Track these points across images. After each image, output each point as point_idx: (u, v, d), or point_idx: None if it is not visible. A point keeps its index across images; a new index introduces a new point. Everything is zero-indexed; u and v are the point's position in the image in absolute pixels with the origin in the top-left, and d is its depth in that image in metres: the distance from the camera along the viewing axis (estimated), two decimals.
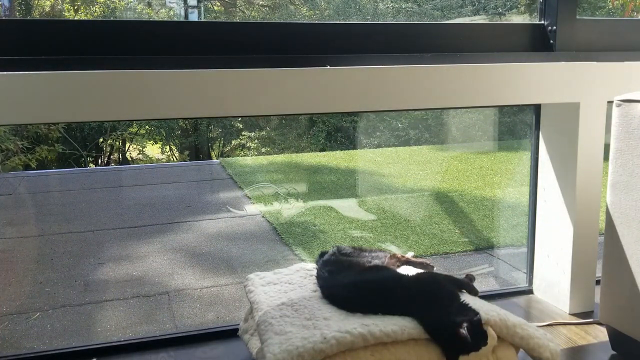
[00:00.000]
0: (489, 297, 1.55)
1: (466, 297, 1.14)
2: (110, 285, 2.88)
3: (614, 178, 1.22)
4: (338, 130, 6.26)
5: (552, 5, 1.48)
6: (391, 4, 5.79)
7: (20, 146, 4.78)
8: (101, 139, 5.84)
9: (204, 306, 2.68)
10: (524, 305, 1.55)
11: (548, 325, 1.40)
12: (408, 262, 1.29)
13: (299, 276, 1.30)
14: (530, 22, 1.53)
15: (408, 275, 1.19)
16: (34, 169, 5.00)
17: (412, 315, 1.07)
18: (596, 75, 1.42)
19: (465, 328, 1.00)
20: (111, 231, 3.66)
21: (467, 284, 1.21)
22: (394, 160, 5.59)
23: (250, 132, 6.35)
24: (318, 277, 1.24)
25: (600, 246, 1.34)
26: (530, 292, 1.61)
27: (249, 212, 4.10)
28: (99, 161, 6.07)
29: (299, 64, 1.24)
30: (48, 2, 5.27)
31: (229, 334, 1.33)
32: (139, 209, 4.11)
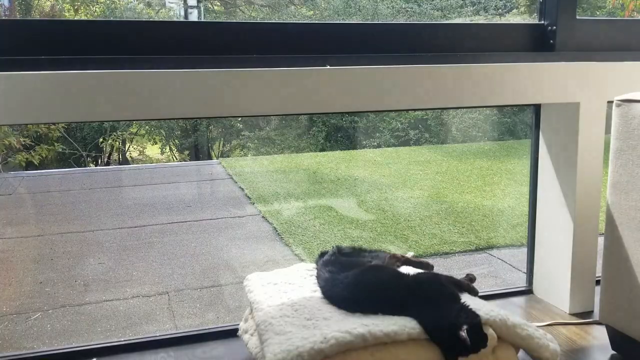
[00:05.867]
0: (489, 297, 1.55)
1: (466, 298, 1.14)
2: (110, 285, 2.88)
3: (614, 178, 1.22)
4: (338, 130, 6.26)
5: (552, 5, 1.48)
6: (391, 4, 5.79)
7: (23, 142, 4.79)
8: (101, 139, 5.84)
9: (203, 306, 2.68)
10: (524, 305, 1.55)
11: (548, 325, 1.40)
12: (408, 262, 1.29)
13: (299, 276, 1.30)
14: (530, 22, 1.53)
15: (408, 275, 1.19)
16: (36, 166, 5.00)
17: (412, 316, 1.07)
18: (596, 75, 1.42)
19: (465, 330, 1.00)
20: (111, 231, 3.66)
21: (467, 285, 1.21)
22: (394, 160, 5.59)
23: (250, 132, 6.35)
24: (318, 277, 1.24)
25: (600, 246, 1.34)
26: (530, 292, 1.61)
27: (248, 212, 4.10)
28: (99, 161, 6.07)
29: (299, 64, 1.24)
30: (48, 3, 5.27)
31: (229, 334, 1.33)
32: (139, 209, 4.11)
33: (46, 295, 2.77)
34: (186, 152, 6.80)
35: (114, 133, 5.82)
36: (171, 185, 4.81)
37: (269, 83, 1.20)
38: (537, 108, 1.55)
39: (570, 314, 1.47)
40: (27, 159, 4.82)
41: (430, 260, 1.31)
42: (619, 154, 1.20)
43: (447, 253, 3.36)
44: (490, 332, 1.06)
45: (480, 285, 1.24)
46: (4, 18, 3.71)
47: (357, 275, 1.17)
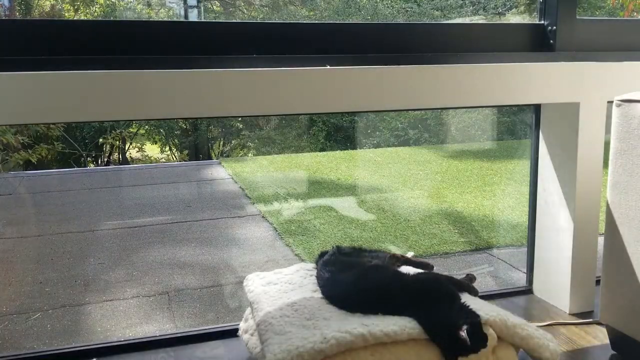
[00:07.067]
0: (489, 297, 1.55)
1: (466, 298, 1.14)
2: (110, 285, 2.88)
3: (614, 178, 1.22)
4: (338, 130, 6.26)
5: (552, 5, 1.48)
6: (391, 4, 5.79)
7: (22, 141, 4.79)
8: (101, 139, 5.84)
9: (203, 306, 2.68)
10: (524, 305, 1.55)
11: (548, 325, 1.40)
12: (408, 262, 1.29)
13: (299, 276, 1.30)
14: (530, 22, 1.53)
15: (408, 275, 1.19)
16: (34, 166, 5.01)
17: (412, 316, 1.07)
18: (596, 75, 1.42)
19: (465, 330, 1.00)
20: (111, 231, 3.66)
21: (467, 285, 1.21)
22: (394, 160, 5.58)
23: (250, 132, 6.35)
24: (318, 277, 1.24)
25: (600, 246, 1.34)
26: (530, 292, 1.61)
27: (248, 212, 4.10)
28: (99, 161, 6.07)
29: (299, 64, 1.24)
30: (48, 3, 5.27)
31: (229, 334, 1.33)
32: (139, 209, 4.11)
33: (46, 295, 2.77)
34: (185, 152, 6.80)
35: (114, 133, 5.82)
36: (171, 185, 4.81)
37: (269, 83, 1.20)
38: (537, 108, 1.55)
39: (570, 314, 1.47)
40: (25, 158, 4.83)
41: (430, 260, 1.31)
42: (619, 154, 1.20)
43: (447, 253, 3.36)
44: (490, 332, 1.06)
45: (480, 285, 1.25)
46: (4, 18, 3.71)
47: (357, 276, 1.17)
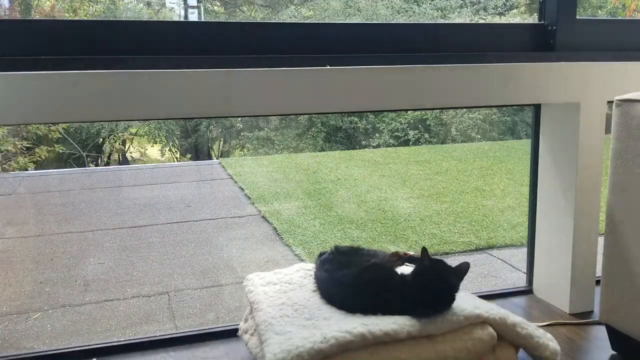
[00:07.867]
0: (489, 297, 1.55)
1: (465, 297, 1.14)
2: (110, 285, 2.88)
3: (614, 178, 1.22)
4: (338, 130, 6.26)
5: (552, 5, 1.48)
6: (391, 4, 5.79)
7: (20, 147, 4.80)
8: (101, 139, 5.84)
9: (203, 306, 2.68)
10: (524, 305, 1.55)
11: (548, 325, 1.40)
12: (410, 259, 1.28)
13: (299, 276, 1.30)
14: (530, 22, 1.52)
15: (407, 273, 1.19)
16: (35, 166, 5.01)
17: (412, 314, 1.07)
18: (596, 75, 1.42)
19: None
20: (111, 231, 3.66)
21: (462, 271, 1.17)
22: (394, 160, 5.59)
23: (250, 133, 6.35)
24: (316, 277, 1.24)
25: (600, 246, 1.34)
26: (530, 292, 1.61)
27: (248, 212, 4.10)
28: (99, 161, 6.07)
29: (299, 64, 1.24)
30: (48, 3, 5.27)
31: (229, 334, 1.33)
32: (139, 209, 4.11)
33: (46, 295, 2.77)
34: (189, 156, 6.81)
35: (114, 133, 5.82)
36: (171, 185, 4.81)
37: (269, 83, 1.20)
38: (537, 108, 1.55)
39: (570, 314, 1.47)
40: (23, 165, 4.84)
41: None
42: (618, 154, 1.20)
43: (447, 253, 3.36)
44: (490, 331, 1.06)
45: (480, 285, 1.24)
46: (4, 18, 3.71)
47: (355, 275, 1.17)
